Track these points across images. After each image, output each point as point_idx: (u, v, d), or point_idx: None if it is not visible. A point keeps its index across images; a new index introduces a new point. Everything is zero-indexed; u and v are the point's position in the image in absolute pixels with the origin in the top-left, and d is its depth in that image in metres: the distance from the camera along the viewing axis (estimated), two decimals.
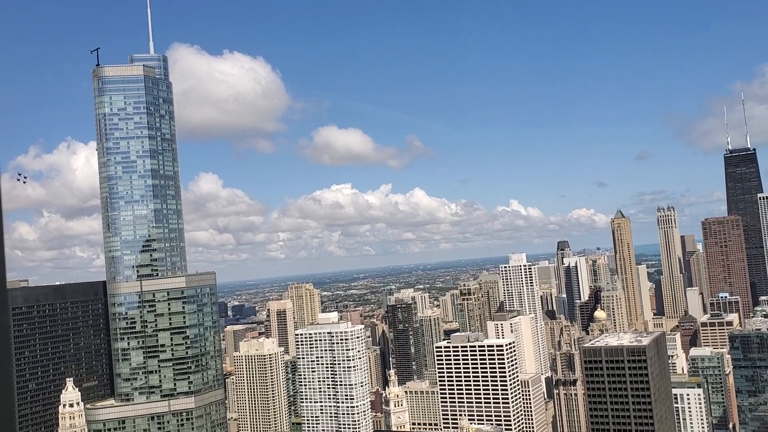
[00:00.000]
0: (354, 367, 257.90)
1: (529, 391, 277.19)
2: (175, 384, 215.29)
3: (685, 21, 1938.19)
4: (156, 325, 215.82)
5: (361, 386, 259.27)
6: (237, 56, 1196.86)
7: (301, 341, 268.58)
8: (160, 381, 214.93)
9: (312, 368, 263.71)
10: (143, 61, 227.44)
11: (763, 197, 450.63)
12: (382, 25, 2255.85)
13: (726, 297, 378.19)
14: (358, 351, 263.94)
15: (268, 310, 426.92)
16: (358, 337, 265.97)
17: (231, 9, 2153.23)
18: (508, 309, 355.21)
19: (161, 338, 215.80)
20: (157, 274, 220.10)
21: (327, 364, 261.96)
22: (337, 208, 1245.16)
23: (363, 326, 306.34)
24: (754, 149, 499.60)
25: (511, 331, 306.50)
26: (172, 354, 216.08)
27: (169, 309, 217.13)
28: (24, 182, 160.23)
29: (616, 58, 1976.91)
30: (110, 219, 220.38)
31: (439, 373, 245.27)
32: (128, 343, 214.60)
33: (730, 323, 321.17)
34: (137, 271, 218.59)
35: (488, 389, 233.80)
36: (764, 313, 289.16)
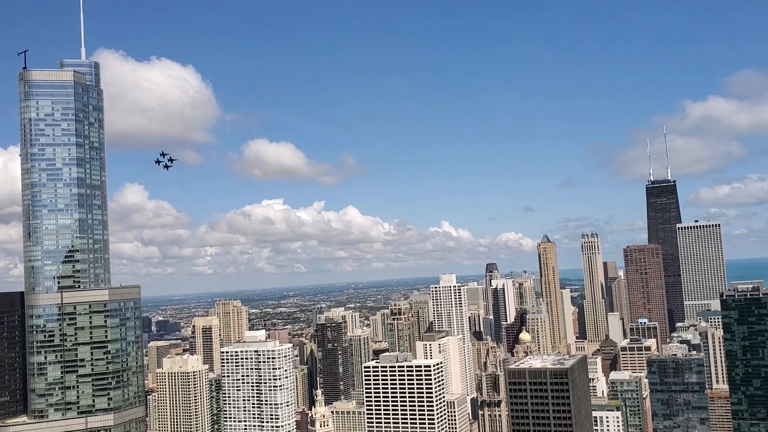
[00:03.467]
0: (280, 386, 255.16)
1: (454, 411, 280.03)
2: (93, 400, 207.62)
3: (609, 55, 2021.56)
4: (76, 338, 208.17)
5: (287, 406, 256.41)
6: (165, 63, 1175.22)
7: (227, 359, 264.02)
8: (78, 397, 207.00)
9: (237, 387, 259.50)
10: (74, 67, 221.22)
11: (682, 227, 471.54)
12: (317, 40, 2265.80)
13: (645, 323, 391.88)
14: (285, 370, 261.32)
15: (194, 326, 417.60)
16: (285, 356, 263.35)
17: (161, 15, 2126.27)
18: (437, 329, 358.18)
19: (81, 352, 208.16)
20: (80, 286, 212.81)
21: (252, 382, 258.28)
22: (268, 223, 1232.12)
23: (291, 345, 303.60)
24: (674, 181, 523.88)
25: (440, 352, 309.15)
26: (92, 369, 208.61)
27: (91, 322, 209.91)
28: (168, 166, 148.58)
29: (546, 84, 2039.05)
30: (31, 227, 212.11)
31: (366, 393, 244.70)
32: (45, 357, 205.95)
33: (648, 348, 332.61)
34: (58, 282, 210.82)
35: (414, 410, 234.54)
36: (680, 339, 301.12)
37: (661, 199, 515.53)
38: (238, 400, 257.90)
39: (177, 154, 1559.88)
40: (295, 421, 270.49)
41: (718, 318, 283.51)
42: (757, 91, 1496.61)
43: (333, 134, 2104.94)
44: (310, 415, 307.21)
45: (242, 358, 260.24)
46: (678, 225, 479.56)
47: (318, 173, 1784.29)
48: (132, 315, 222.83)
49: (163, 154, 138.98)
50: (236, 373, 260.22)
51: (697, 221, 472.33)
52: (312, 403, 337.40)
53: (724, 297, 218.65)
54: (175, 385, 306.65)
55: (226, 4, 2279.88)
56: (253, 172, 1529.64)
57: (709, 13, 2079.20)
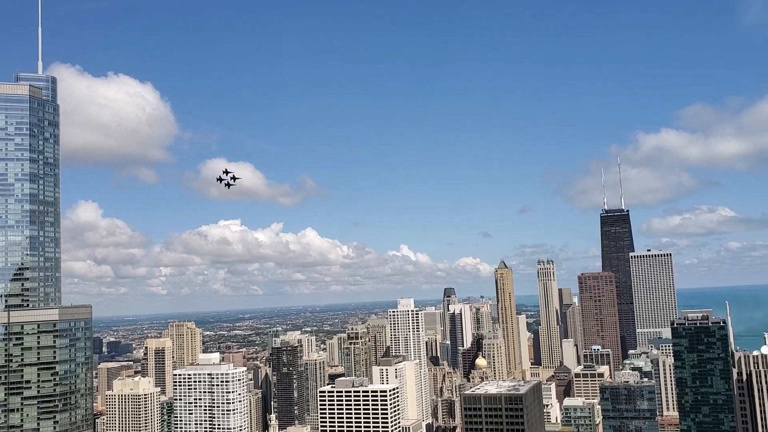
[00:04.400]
0: (233, 410, 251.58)
1: None
2: (38, 424, 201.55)
3: (567, 83, 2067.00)
4: (22, 359, 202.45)
5: (240, 430, 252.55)
6: (123, 79, 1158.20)
7: (180, 382, 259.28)
8: (22, 420, 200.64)
9: (189, 410, 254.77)
10: (30, 81, 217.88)
11: (634, 256, 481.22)
12: (277, 60, 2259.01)
13: (598, 349, 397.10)
14: (239, 394, 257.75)
15: (146, 347, 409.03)
16: (239, 380, 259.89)
17: (120, 30, 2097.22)
18: (394, 354, 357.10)
19: (27, 374, 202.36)
20: (28, 305, 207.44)
21: (205, 406, 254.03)
22: (225, 244, 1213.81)
23: (245, 368, 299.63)
24: (628, 210, 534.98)
25: (396, 377, 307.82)
26: (38, 391, 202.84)
27: (39, 343, 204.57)
28: (231, 184, 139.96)
29: (506, 109, 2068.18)
30: None
31: (321, 418, 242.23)
32: None
33: (601, 375, 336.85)
34: (5, 301, 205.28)
35: None
36: (632, 366, 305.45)
37: (615, 227, 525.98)
38: (190, 424, 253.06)
39: (132, 173, 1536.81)
40: None
41: (669, 346, 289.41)
42: (707, 124, 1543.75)
43: (292, 155, 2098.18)
44: None
45: (195, 381, 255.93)
46: (631, 253, 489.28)
47: (277, 194, 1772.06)
48: (82, 335, 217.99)
49: (226, 172, 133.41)
50: (189, 396, 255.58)
51: (649, 250, 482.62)
52: (266, 427, 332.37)
53: (675, 325, 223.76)
54: (125, 408, 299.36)
55: (187, 22, 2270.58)
56: (210, 192, 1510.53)
57: (662, 47, 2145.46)
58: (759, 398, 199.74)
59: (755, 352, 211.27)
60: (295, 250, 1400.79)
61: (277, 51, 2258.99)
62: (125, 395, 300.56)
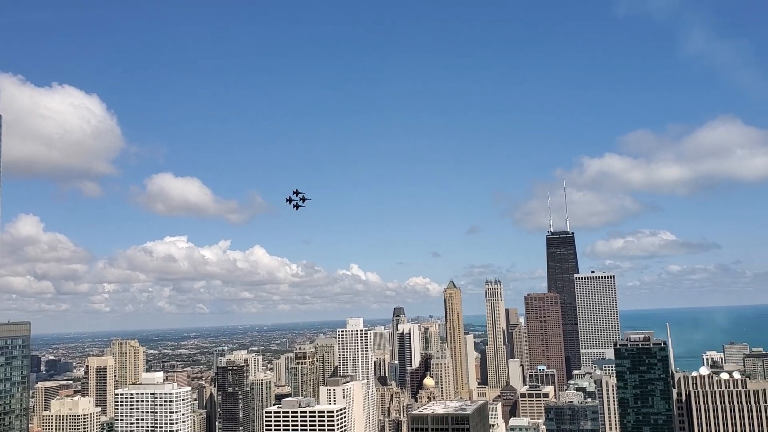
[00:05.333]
0: (176, 431, 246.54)
1: None
2: None
3: (516, 106, 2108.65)
4: None
5: None
6: (68, 90, 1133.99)
7: (121, 401, 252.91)
8: None
9: (131, 431, 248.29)
10: None
11: (579, 277, 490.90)
12: (226, 75, 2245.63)
13: (543, 369, 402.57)
14: (183, 414, 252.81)
15: (87, 366, 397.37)
16: (183, 400, 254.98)
17: (65, 40, 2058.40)
18: (341, 374, 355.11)
19: None
20: None
21: (147, 427, 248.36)
22: (170, 261, 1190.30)
23: (190, 388, 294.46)
24: (573, 233, 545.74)
25: (343, 397, 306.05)
26: None
27: None
28: (300, 206, 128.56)
29: (456, 130, 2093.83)
30: None
31: None
32: None
33: (546, 395, 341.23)
34: None
35: None
36: (576, 386, 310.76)
37: (560, 249, 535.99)
38: None
39: (76, 186, 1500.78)
40: None
41: (612, 366, 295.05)
42: (649, 150, 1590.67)
43: (241, 171, 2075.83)
44: None
45: (138, 401, 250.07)
46: (576, 275, 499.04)
47: (224, 211, 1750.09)
48: (19, 353, 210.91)
49: (296, 193, 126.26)
50: (130, 416, 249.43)
51: (593, 272, 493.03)
52: None
53: (618, 346, 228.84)
54: (63, 429, 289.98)
55: (136, 35, 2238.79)
56: (156, 207, 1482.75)
57: (606, 72, 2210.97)
58: (697, 418, 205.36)
59: (694, 373, 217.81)
60: (243, 268, 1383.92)
61: (228, 66, 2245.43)
62: (63, 415, 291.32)
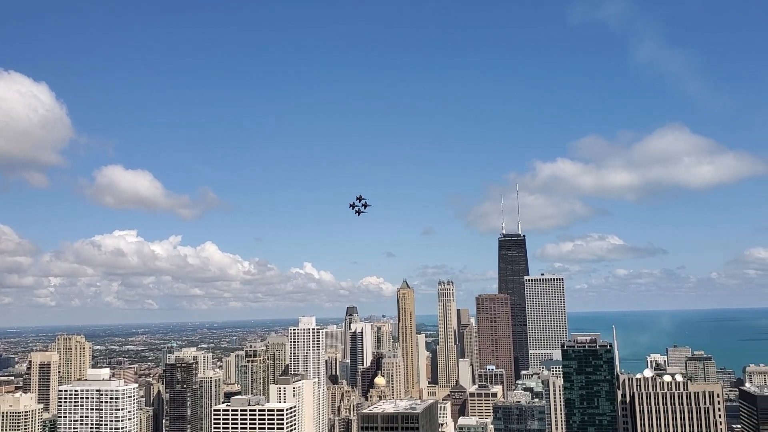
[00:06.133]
0: (122, 428, 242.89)
1: None
2: None
3: (469, 112, 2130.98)
4: None
5: None
6: (15, 77, 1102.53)
7: (65, 398, 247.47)
8: None
9: (74, 428, 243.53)
10: None
11: (529, 279, 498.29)
12: (181, 70, 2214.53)
13: (492, 369, 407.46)
14: (129, 411, 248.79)
15: (30, 362, 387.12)
16: (129, 397, 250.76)
17: (14, 25, 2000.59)
18: (292, 373, 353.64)
19: None
20: None
21: (92, 424, 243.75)
22: (119, 255, 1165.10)
23: (137, 385, 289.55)
24: (524, 235, 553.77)
25: (294, 396, 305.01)
26: None
27: None
28: (362, 212, 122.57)
29: (411, 132, 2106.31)
30: None
31: None
32: None
33: (495, 394, 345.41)
34: None
35: None
36: (524, 386, 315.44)
37: (512, 251, 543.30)
38: None
39: (21, 176, 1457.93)
40: None
41: (559, 367, 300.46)
42: (599, 156, 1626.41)
43: (194, 166, 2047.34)
44: None
45: (82, 398, 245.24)
46: (526, 277, 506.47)
47: (176, 205, 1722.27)
48: None
49: (359, 199, 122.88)
50: (74, 413, 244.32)
51: (543, 274, 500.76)
52: None
53: (565, 348, 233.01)
54: (3, 427, 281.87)
55: (89, 24, 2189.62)
56: (105, 200, 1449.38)
57: (559, 78, 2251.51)
58: (640, 419, 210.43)
59: (638, 375, 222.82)
60: (194, 264, 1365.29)
61: (183, 61, 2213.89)
62: (3, 412, 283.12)
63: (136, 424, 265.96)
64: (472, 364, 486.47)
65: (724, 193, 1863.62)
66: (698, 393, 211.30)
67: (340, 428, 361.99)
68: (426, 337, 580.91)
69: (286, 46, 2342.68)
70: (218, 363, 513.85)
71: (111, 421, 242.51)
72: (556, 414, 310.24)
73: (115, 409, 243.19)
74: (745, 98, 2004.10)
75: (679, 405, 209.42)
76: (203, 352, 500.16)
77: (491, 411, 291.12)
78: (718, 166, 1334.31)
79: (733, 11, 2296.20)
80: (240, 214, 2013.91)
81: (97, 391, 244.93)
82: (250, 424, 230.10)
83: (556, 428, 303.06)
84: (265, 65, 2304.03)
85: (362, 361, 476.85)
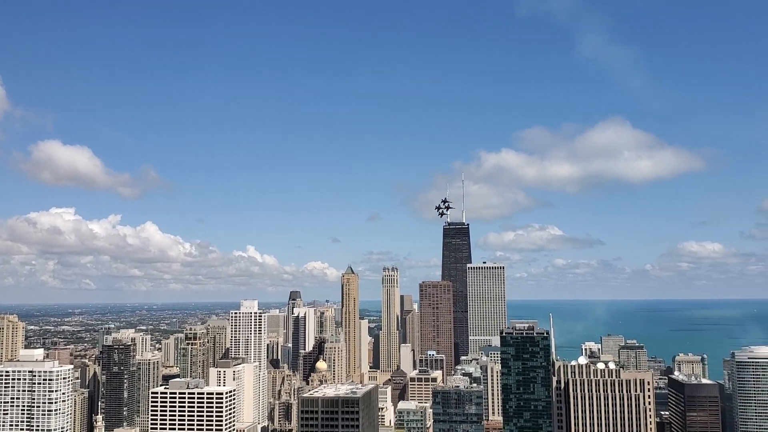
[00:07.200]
0: (55, 410, 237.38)
1: None
2: None
3: (417, 100, 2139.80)
4: None
5: None
6: None
7: None
8: None
9: (4, 410, 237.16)
10: None
11: (471, 267, 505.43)
12: (124, 43, 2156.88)
13: (433, 355, 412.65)
14: (63, 393, 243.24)
15: None
16: (64, 378, 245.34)
17: None
18: (233, 356, 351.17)
19: None
20: None
21: (24, 406, 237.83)
22: (56, 233, 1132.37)
23: (72, 366, 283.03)
24: (468, 224, 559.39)
25: (234, 379, 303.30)
26: None
27: None
28: (444, 213, 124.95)
29: (358, 118, 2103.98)
30: None
31: (152, 420, 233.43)
32: None
33: (434, 379, 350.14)
34: None
35: None
36: (463, 372, 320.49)
37: (456, 239, 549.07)
38: (4, 426, 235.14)
39: None
40: None
41: (497, 353, 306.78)
42: (543, 147, 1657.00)
43: (135, 143, 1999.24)
44: None
45: (13, 379, 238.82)
46: (468, 265, 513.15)
47: (116, 183, 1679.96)
48: None
49: (444, 201, 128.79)
50: (5, 395, 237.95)
51: (485, 263, 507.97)
52: (91, 429, 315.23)
53: (504, 334, 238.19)
54: None
55: None
56: (41, 176, 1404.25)
57: (505, 68, 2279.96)
58: (574, 405, 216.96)
59: (573, 362, 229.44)
60: (134, 245, 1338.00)
61: (129, 34, 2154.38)
62: None
63: (71, 407, 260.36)
64: (413, 350, 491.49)
65: (662, 188, 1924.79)
66: (629, 380, 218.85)
67: (280, 412, 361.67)
68: (369, 322, 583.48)
69: (232, 29, 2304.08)
70: (157, 345, 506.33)
71: (44, 403, 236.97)
72: (493, 399, 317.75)
73: (49, 391, 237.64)
74: (684, 95, 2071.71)
75: (611, 392, 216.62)
76: (142, 333, 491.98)
77: (431, 395, 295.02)
78: (656, 161, 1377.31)
79: (676, 8, 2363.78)
80: (182, 194, 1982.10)
81: (29, 372, 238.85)
82: (189, 407, 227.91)
83: (493, 413, 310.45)
84: (212, 48, 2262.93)
85: (304, 346, 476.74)
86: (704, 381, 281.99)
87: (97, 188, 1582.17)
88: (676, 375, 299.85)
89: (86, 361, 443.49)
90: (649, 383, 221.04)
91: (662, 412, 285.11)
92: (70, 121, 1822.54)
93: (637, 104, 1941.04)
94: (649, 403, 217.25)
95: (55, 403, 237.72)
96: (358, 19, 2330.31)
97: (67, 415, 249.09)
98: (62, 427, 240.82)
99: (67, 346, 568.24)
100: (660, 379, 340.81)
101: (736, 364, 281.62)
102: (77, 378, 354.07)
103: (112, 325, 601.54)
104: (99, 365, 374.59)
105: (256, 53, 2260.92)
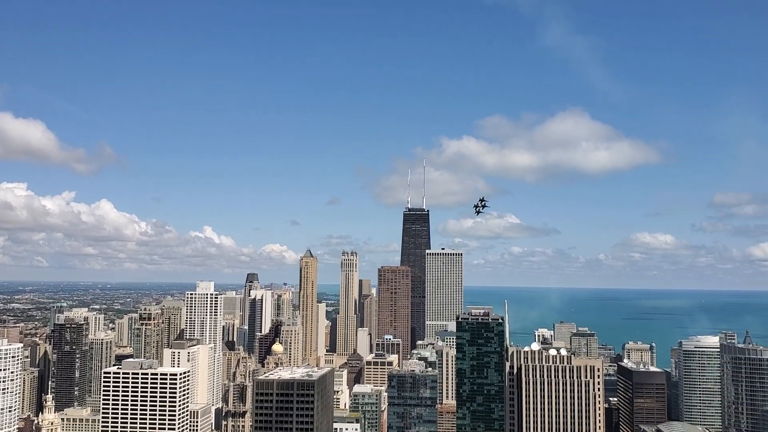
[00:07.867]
0: (3, 390, 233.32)
1: (197, 421, 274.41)
2: None
3: (380, 85, 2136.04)
4: None
5: (10, 411, 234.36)
6: None
7: None
8: None
9: None
10: None
11: (430, 253, 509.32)
12: (86, 17, 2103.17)
13: (390, 339, 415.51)
14: (12, 372, 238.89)
15: None
16: (13, 357, 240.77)
17: None
18: (188, 337, 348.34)
19: None
20: None
21: None
22: (6, 209, 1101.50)
23: (21, 345, 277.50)
24: (428, 210, 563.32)
25: (188, 361, 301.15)
26: None
27: None
28: (480, 211, 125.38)
29: (319, 102, 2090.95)
30: None
31: (104, 400, 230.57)
32: None
33: (390, 363, 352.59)
34: None
35: (155, 419, 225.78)
36: (419, 356, 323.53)
37: (416, 225, 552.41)
38: None
39: None
40: (18, 428, 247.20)
41: (453, 338, 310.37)
42: (504, 136, 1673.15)
43: (91, 118, 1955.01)
44: (36, 422, 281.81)
45: None
46: (427, 251, 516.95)
47: (70, 159, 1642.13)
48: None
49: (481, 200, 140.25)
50: None
51: (443, 249, 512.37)
52: (40, 408, 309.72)
53: (460, 320, 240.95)
54: None
55: None
56: None
57: (468, 57, 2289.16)
58: (526, 390, 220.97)
59: (526, 348, 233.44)
60: (88, 222, 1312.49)
61: (81, 2, 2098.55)
62: None
63: (19, 385, 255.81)
64: (370, 334, 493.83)
65: (617, 179, 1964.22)
66: (580, 367, 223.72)
67: (234, 394, 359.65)
68: (327, 306, 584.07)
69: (188, 6, 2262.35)
70: (110, 325, 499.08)
71: None
72: (447, 383, 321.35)
73: None
74: (642, 87, 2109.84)
75: (562, 378, 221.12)
76: (95, 313, 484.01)
77: (386, 379, 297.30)
78: (613, 153, 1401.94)
79: (637, 1, 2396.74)
80: (139, 172, 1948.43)
81: None
82: (142, 387, 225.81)
83: (447, 397, 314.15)
84: (170, 25, 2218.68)
85: (261, 329, 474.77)
86: (652, 369, 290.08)
87: (51, 163, 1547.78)
88: (626, 362, 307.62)
89: (37, 339, 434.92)
90: (599, 370, 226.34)
91: (611, 398, 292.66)
92: (22, 94, 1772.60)
93: (596, 95, 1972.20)
94: (599, 389, 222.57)
95: (3, 382, 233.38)
96: (323, 3, 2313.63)
97: (16, 394, 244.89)
98: (10, 407, 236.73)
99: (17, 324, 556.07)
100: (610, 366, 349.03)
101: (683, 353, 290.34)
102: (27, 357, 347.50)
103: (65, 304, 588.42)
104: (50, 344, 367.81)
105: (214, 32, 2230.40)
